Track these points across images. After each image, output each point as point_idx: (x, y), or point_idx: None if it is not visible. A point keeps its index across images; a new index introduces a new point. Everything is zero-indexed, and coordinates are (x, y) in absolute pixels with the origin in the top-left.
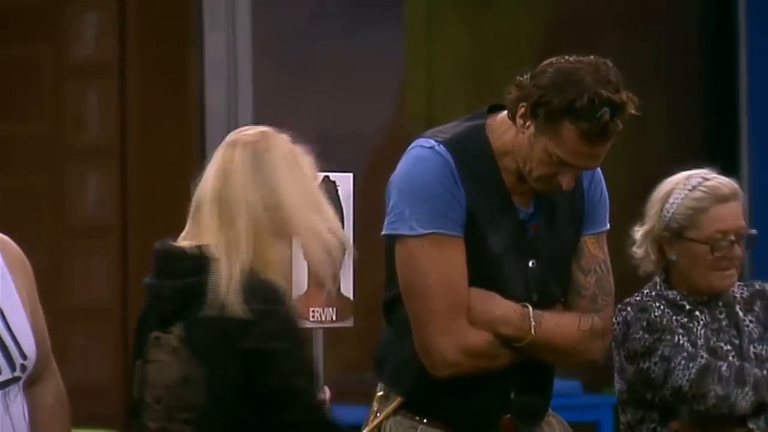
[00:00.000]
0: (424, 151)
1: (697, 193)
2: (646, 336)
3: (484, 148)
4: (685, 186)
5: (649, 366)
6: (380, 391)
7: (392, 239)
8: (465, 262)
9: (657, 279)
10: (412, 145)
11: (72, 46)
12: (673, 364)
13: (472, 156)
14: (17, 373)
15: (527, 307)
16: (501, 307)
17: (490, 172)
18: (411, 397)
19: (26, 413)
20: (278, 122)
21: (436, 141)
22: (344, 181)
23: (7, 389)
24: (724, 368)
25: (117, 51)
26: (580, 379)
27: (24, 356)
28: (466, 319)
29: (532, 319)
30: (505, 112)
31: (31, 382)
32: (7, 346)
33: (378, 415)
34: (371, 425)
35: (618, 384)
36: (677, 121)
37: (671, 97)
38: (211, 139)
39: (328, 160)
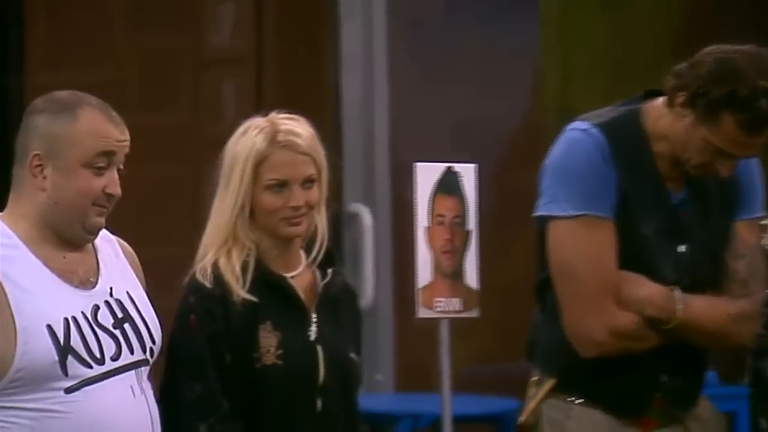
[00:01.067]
0: (577, 134)
1: None
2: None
3: (638, 132)
4: None
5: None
6: (535, 375)
7: (544, 221)
8: (615, 244)
9: None
10: (568, 127)
11: (209, 37)
12: None
13: (626, 139)
14: (147, 356)
15: (674, 289)
16: (646, 289)
17: (644, 157)
18: (563, 378)
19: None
20: (413, 113)
21: (590, 123)
22: (468, 173)
23: (140, 370)
24: None
25: (254, 42)
26: (716, 369)
27: (153, 341)
28: (615, 301)
29: (677, 302)
30: (662, 98)
31: None
32: (139, 328)
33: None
34: (527, 410)
35: (746, 378)
36: None
37: None
38: (348, 130)
39: (463, 151)
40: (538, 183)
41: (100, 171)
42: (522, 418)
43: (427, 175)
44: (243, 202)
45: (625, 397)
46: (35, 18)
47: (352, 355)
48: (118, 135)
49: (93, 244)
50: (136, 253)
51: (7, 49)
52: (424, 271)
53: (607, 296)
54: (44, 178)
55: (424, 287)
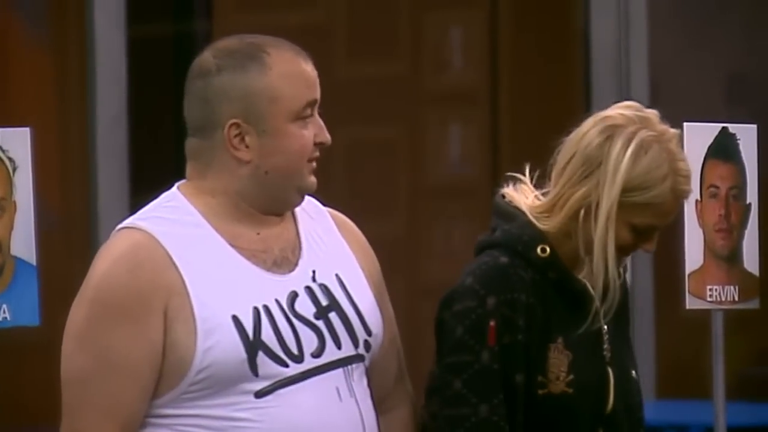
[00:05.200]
0: None
1: None
2: None
3: None
4: None
5: None
6: None
7: None
8: None
9: None
10: None
11: None
12: None
13: None
14: (360, 351)
15: None
16: None
17: None
18: None
19: (373, 402)
20: (677, 63)
21: None
22: (746, 134)
23: (349, 368)
24: None
25: None
26: None
27: (369, 332)
28: None
29: None
30: None
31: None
32: (348, 317)
33: None
34: None
35: None
36: None
37: None
38: (598, 82)
39: (737, 107)
40: None
41: (306, 122)
42: None
43: (697, 137)
44: (606, 224)
45: None
46: None
47: (634, 373)
48: (313, 73)
49: (294, 216)
50: None
51: None
52: (693, 253)
53: None
54: (247, 147)
55: (694, 272)
